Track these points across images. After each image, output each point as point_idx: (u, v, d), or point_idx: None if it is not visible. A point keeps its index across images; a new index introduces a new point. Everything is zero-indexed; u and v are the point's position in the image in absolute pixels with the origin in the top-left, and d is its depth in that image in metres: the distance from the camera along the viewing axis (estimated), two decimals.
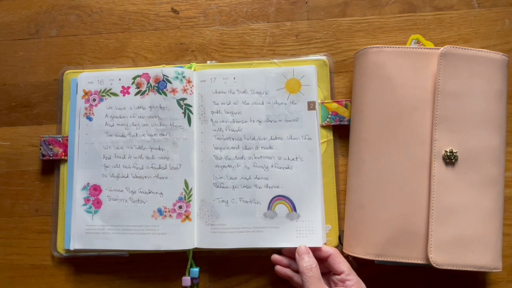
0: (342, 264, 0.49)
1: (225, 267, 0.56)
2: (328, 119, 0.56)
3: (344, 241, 0.53)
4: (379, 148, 0.51)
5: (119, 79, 0.57)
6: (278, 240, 0.53)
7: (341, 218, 0.55)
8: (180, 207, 0.55)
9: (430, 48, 0.52)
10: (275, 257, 0.53)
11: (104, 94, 0.57)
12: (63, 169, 0.58)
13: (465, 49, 0.51)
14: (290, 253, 0.53)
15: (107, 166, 0.56)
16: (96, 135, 0.57)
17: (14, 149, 0.60)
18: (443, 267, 0.48)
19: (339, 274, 0.49)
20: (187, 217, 0.55)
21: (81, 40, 0.61)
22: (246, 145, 0.55)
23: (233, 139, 0.55)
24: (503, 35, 0.57)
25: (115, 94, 0.57)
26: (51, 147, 0.58)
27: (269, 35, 0.60)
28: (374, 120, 0.52)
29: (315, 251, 0.51)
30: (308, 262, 0.49)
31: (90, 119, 0.57)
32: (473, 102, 0.50)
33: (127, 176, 0.56)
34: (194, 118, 0.56)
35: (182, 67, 0.57)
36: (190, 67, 0.57)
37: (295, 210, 0.53)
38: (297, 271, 0.51)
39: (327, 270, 0.51)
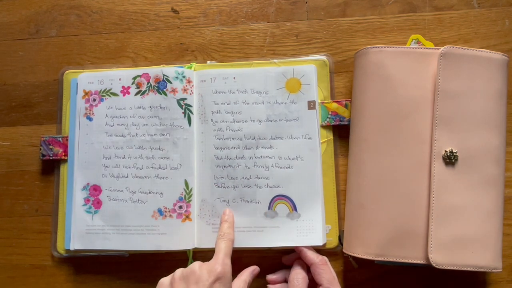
0: (322, 276, 0.48)
1: None
2: (328, 119, 0.56)
3: (344, 241, 0.53)
4: (379, 148, 0.51)
5: (119, 79, 0.57)
6: (279, 240, 0.53)
7: (341, 218, 0.55)
8: (180, 207, 0.55)
9: (430, 48, 0.52)
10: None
11: (104, 94, 0.57)
12: (63, 169, 0.58)
13: (465, 49, 0.51)
14: (291, 262, 0.53)
15: (107, 166, 0.56)
16: (96, 135, 0.57)
17: (14, 149, 0.60)
18: (443, 267, 0.48)
19: (319, 286, 0.48)
20: (187, 217, 0.54)
21: (81, 40, 0.61)
22: (246, 145, 0.55)
23: (233, 139, 0.55)
24: (503, 35, 0.57)
25: (115, 94, 0.57)
26: (51, 147, 0.58)
27: (269, 35, 0.60)
28: (374, 120, 0.52)
29: (300, 254, 0.51)
30: (295, 273, 0.50)
31: (90, 119, 0.57)
32: (473, 102, 0.50)
33: (127, 176, 0.56)
34: (194, 118, 0.56)
35: (182, 67, 0.57)
36: (190, 67, 0.57)
37: (295, 209, 0.53)
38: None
39: None
